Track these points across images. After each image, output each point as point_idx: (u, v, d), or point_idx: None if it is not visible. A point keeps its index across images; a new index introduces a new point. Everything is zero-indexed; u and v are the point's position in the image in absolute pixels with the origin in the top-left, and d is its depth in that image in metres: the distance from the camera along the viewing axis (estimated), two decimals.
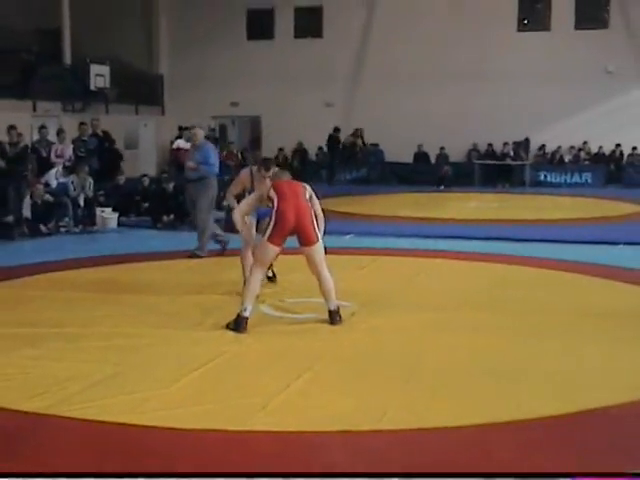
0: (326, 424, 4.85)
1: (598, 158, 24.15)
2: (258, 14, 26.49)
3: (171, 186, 14.66)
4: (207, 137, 24.48)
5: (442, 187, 22.58)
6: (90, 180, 14.56)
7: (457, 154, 24.82)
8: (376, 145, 25.30)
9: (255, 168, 8.22)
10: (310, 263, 7.24)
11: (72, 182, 14.34)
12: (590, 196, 20.30)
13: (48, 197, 13.60)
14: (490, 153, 24.57)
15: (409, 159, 25.01)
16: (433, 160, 25.01)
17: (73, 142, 16.49)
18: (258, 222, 8.15)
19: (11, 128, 14.28)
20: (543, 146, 24.63)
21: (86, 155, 16.25)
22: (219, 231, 11.12)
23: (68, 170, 15.01)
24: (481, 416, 4.97)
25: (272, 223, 7.08)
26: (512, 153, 24.12)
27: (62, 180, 14.63)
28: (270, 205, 7.19)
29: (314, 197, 7.36)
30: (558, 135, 24.14)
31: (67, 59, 22.74)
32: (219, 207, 14.59)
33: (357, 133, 25.16)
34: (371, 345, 6.62)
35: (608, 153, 24.16)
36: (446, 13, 24.54)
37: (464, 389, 5.53)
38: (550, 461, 4.36)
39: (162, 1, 27.10)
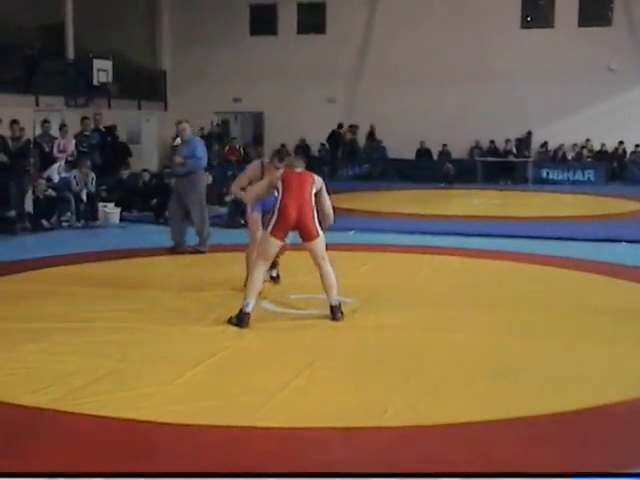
0: (327, 421, 4.85)
1: (601, 155, 24.13)
2: (261, 10, 26.47)
3: (173, 181, 14.62)
4: (211, 133, 24.70)
5: (443, 184, 22.54)
6: (92, 175, 14.55)
7: (459, 151, 24.80)
8: (379, 141, 25.33)
9: (267, 161, 8.09)
10: (312, 257, 7.30)
11: (74, 177, 14.32)
12: (592, 193, 20.27)
13: (50, 192, 13.61)
14: (492, 150, 24.55)
15: (411, 156, 25.00)
16: (435, 157, 24.99)
17: (75, 137, 16.49)
18: (263, 217, 8.12)
19: (14, 123, 14.28)
20: (546, 143, 24.62)
21: (88, 150, 16.27)
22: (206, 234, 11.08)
23: (70, 165, 15.00)
24: (481, 413, 4.97)
25: (275, 217, 7.11)
26: (515, 150, 24.11)
27: (64, 175, 14.63)
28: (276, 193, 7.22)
29: (324, 190, 7.35)
30: (561, 132, 24.13)
31: (70, 54, 22.72)
32: (220, 203, 14.63)
33: (353, 130, 25.29)
34: (373, 342, 6.61)
35: (611, 150, 24.13)
36: (449, 10, 24.49)
37: (465, 386, 5.53)
38: (549, 457, 4.37)
39: None
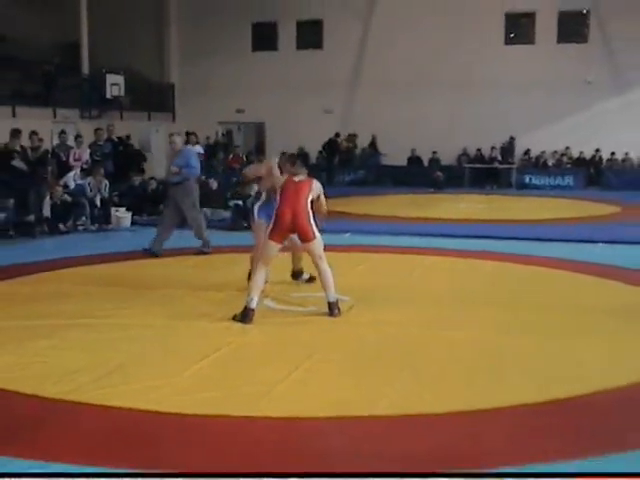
0: (325, 410, 4.81)
1: (579, 162, 24.12)
2: (262, 27, 26.47)
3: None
4: (217, 142, 24.67)
5: (433, 189, 22.49)
6: (105, 182, 14.54)
7: (448, 158, 24.76)
8: (379, 152, 25.33)
9: (281, 162, 7.92)
10: (311, 257, 7.36)
11: (89, 184, 14.31)
12: (572, 197, 20.25)
13: (67, 198, 13.57)
14: (479, 157, 24.54)
15: (403, 162, 24.98)
16: (426, 163, 24.97)
17: (89, 146, 16.49)
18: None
19: (33, 134, 14.28)
20: (528, 150, 24.62)
21: (101, 158, 16.24)
22: (206, 234, 11.03)
23: (85, 172, 14.99)
24: (473, 404, 4.92)
25: (272, 222, 7.21)
26: (500, 157, 24.12)
27: (80, 182, 14.59)
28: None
29: (322, 196, 7.49)
30: (542, 140, 24.12)
31: (85, 70, 22.76)
32: (225, 207, 14.58)
33: (350, 138, 25.34)
34: (369, 337, 6.55)
35: (588, 158, 24.10)
36: (438, 27, 24.45)
37: (457, 379, 5.48)
38: (538, 445, 4.32)
39: (173, 15, 27.10)
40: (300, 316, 7.25)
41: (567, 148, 24.32)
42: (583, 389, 5.20)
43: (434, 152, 24.57)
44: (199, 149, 20.28)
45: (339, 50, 25.51)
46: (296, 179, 7.32)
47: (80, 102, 21.65)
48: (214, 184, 15.47)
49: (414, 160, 25.06)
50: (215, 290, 8.31)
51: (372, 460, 4.14)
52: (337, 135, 25.08)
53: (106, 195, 14.34)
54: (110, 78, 21.92)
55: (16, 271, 9.47)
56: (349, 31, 25.51)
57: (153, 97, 25.80)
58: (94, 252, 11.12)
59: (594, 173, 23.62)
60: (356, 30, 25.55)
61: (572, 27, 24.34)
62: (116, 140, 17.69)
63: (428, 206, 18.31)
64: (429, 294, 8.26)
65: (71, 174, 14.85)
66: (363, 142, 25.45)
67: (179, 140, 11.18)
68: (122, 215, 14.23)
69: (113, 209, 14.27)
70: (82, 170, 15.14)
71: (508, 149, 24.37)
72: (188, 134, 20.55)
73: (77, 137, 16.53)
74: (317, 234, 7.21)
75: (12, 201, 12.75)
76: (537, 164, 24.47)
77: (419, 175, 23.87)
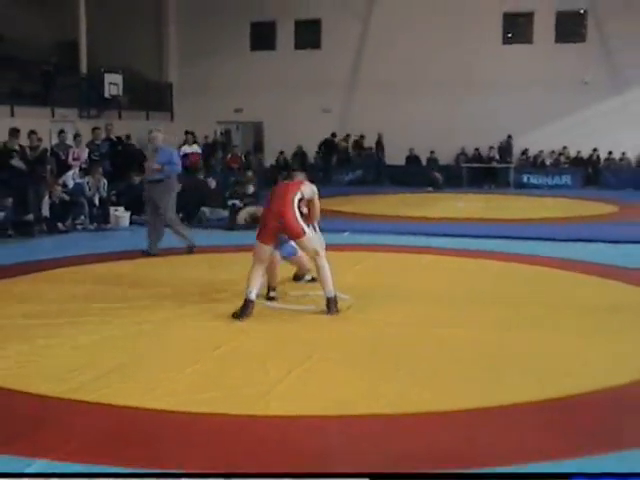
0: (325, 409, 4.80)
1: (577, 162, 24.14)
2: (261, 27, 26.45)
3: (179, 187, 14.56)
4: (216, 141, 24.67)
5: (431, 189, 22.48)
6: (104, 181, 14.52)
7: (446, 158, 24.78)
8: (371, 149, 25.31)
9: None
10: (306, 253, 7.43)
11: (87, 183, 14.30)
12: (569, 197, 20.27)
13: (65, 197, 13.56)
14: (477, 157, 24.55)
15: (402, 162, 24.97)
16: (424, 163, 24.96)
17: (87, 146, 16.45)
18: None
19: (31, 133, 14.24)
20: (526, 150, 24.63)
21: (99, 158, 16.21)
22: (186, 232, 11.01)
23: (84, 172, 14.97)
24: (472, 402, 4.91)
25: (260, 226, 7.28)
26: (497, 156, 24.12)
27: (78, 181, 14.58)
28: None
29: (315, 199, 7.48)
30: (540, 140, 24.14)
31: (83, 69, 22.72)
32: (224, 206, 14.56)
33: (346, 138, 25.37)
34: (367, 336, 6.55)
35: (586, 157, 24.14)
36: (437, 27, 24.45)
37: (456, 377, 5.46)
38: (538, 444, 4.31)
39: (171, 14, 27.08)
40: (300, 315, 7.24)
41: (565, 147, 24.34)
42: (584, 388, 5.19)
43: (432, 152, 24.59)
44: (196, 148, 20.32)
45: (337, 50, 25.50)
46: (287, 181, 7.44)
47: (79, 101, 21.62)
48: (213, 183, 15.44)
49: (412, 160, 25.05)
50: (215, 288, 8.30)
51: (371, 458, 4.13)
52: (334, 135, 25.05)
53: (104, 194, 14.33)
54: (108, 77, 21.90)
55: (15, 270, 9.46)
56: (347, 31, 25.49)
57: (151, 96, 25.78)
58: (93, 251, 11.10)
59: (592, 172, 23.67)
60: (354, 30, 25.54)
61: (570, 27, 24.37)
62: (114, 139, 17.66)
63: (426, 205, 18.30)
64: (428, 293, 8.24)
65: (70, 173, 14.84)
66: (369, 142, 25.36)
67: (160, 136, 10.98)
68: (121, 214, 14.21)
69: (112, 208, 14.25)
70: (81, 169, 15.13)
71: (506, 148, 24.40)
72: (187, 133, 20.59)
73: (76, 136, 16.52)
74: (307, 230, 7.20)
75: (11, 200, 12.73)
76: (535, 163, 24.48)
77: (417, 175, 23.86)
